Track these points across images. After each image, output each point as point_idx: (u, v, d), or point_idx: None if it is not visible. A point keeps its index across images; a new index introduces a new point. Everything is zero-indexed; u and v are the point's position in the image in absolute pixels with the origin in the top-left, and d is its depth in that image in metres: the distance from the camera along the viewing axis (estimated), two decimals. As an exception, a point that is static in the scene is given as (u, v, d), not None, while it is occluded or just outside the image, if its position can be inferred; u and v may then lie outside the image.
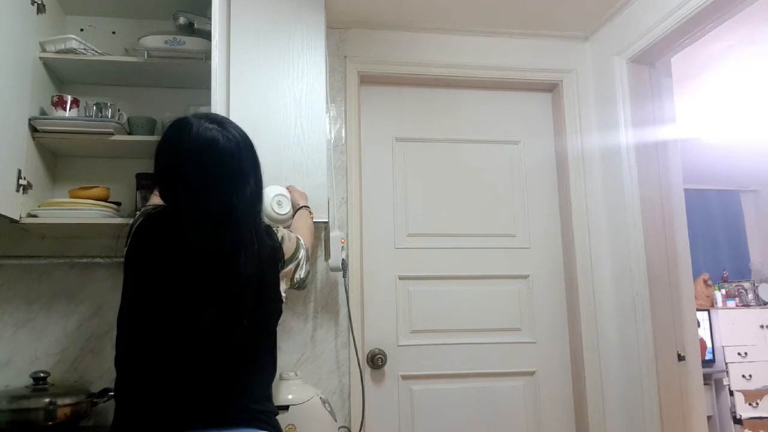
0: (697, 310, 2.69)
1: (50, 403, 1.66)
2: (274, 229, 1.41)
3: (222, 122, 1.29)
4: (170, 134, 1.28)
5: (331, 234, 2.08)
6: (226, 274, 1.21)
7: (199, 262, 1.20)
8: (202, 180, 1.23)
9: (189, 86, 2.03)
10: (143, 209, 1.37)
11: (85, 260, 1.97)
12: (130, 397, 1.20)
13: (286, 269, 1.40)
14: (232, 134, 1.27)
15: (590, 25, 2.44)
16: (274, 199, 1.68)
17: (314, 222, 1.89)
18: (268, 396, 1.30)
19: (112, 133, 1.85)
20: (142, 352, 1.20)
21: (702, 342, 4.25)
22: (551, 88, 2.53)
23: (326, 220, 1.90)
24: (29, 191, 1.77)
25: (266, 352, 1.31)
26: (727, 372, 4.31)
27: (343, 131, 2.30)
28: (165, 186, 1.27)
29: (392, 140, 2.42)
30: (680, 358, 2.10)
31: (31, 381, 1.76)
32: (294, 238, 1.44)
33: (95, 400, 1.80)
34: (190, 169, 1.23)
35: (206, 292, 1.20)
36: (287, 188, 1.75)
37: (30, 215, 1.75)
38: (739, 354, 4.34)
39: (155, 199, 1.42)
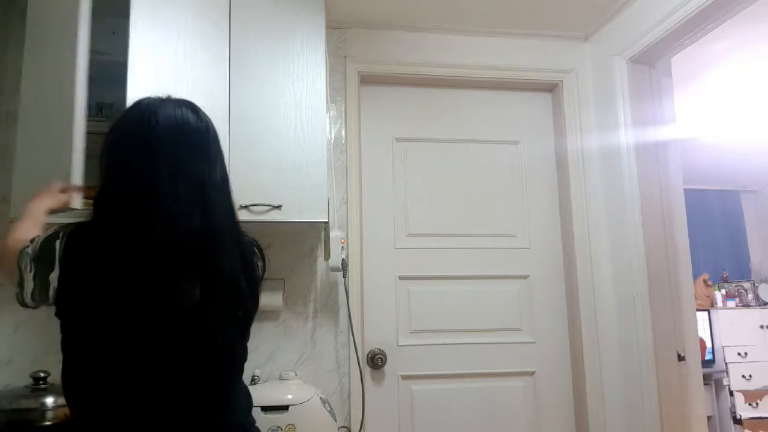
0: (697, 310, 2.68)
1: (50, 403, 1.66)
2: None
3: (191, 105, 1.19)
4: (132, 119, 1.14)
5: (331, 234, 2.08)
6: (205, 267, 1.08)
7: (172, 256, 1.06)
8: (172, 160, 1.09)
9: (189, 86, 2.03)
10: (54, 231, 1.14)
11: (85, 260, 1.97)
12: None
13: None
14: (203, 116, 1.18)
15: (590, 25, 2.44)
16: None
17: (314, 222, 1.90)
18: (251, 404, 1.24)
19: (112, 133, 1.85)
20: (121, 370, 1.09)
21: (702, 342, 4.25)
22: (551, 88, 2.53)
23: (326, 220, 1.90)
24: (29, 191, 1.77)
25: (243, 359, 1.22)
26: (727, 372, 4.30)
27: (343, 131, 2.30)
28: (119, 187, 1.10)
29: (392, 140, 2.42)
30: (680, 358, 2.10)
31: (31, 381, 1.75)
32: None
33: (95, 400, 1.80)
34: (161, 152, 1.09)
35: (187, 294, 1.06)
36: None
37: (30, 215, 1.75)
38: (739, 354, 4.34)
39: (28, 227, 1.26)
